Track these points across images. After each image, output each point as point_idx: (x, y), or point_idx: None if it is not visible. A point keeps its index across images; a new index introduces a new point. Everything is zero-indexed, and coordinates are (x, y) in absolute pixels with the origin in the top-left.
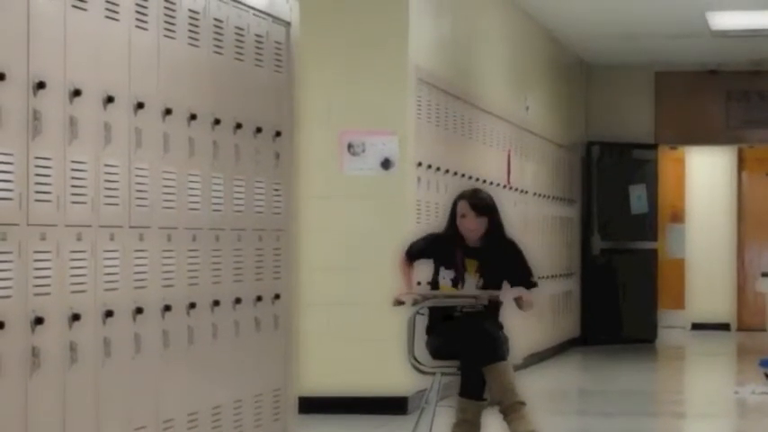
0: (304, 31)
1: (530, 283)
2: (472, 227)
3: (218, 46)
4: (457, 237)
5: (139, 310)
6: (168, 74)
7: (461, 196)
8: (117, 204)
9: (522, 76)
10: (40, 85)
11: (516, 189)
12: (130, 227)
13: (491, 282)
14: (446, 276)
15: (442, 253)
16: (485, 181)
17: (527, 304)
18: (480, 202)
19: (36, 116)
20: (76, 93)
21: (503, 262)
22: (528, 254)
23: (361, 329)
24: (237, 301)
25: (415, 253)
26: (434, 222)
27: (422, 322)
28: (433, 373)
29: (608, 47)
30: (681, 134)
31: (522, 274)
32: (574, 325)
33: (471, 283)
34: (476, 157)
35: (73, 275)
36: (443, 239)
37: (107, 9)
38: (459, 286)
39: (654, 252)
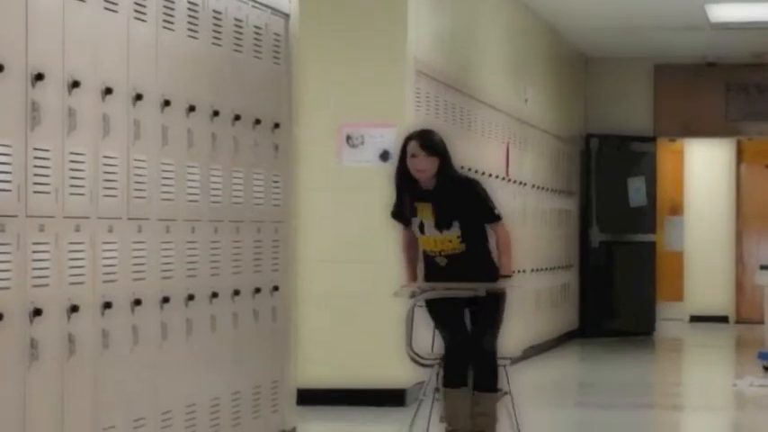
0: (303, 22)
1: (492, 218)
2: (422, 167)
3: (216, 38)
4: (408, 180)
5: (138, 302)
6: (167, 65)
7: (410, 137)
8: (115, 196)
9: (522, 68)
10: (39, 77)
11: (515, 181)
12: (129, 218)
13: (444, 222)
14: (414, 224)
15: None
16: (484, 173)
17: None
18: (430, 142)
19: (35, 107)
20: (75, 84)
21: (458, 201)
22: (487, 188)
23: (360, 321)
24: (236, 292)
25: (397, 216)
26: None
27: (420, 314)
28: (431, 365)
29: (607, 39)
30: (680, 127)
31: (483, 211)
32: (572, 317)
33: (430, 228)
34: (475, 148)
35: (71, 267)
36: (401, 187)
37: (106, 1)
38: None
39: (652, 244)
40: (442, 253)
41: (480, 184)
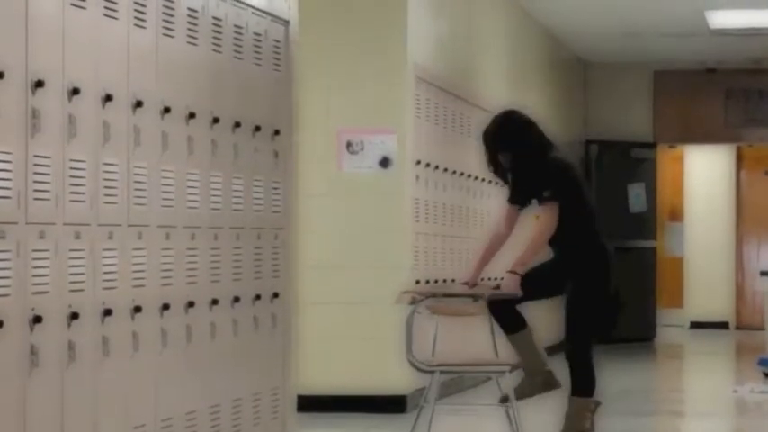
0: (303, 29)
1: (541, 197)
2: (496, 163)
3: (216, 44)
4: (499, 166)
5: (138, 309)
6: (167, 72)
7: (483, 133)
8: (115, 203)
9: (521, 74)
10: (39, 84)
11: None
12: (129, 225)
13: (522, 200)
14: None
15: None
16: (483, 179)
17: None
18: (497, 138)
19: (35, 114)
20: (75, 91)
21: (533, 180)
22: (562, 167)
23: (360, 328)
24: (236, 299)
25: (513, 200)
26: (432, 222)
27: (420, 321)
28: (432, 372)
29: (607, 45)
30: (679, 133)
31: (539, 187)
32: None
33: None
34: (474, 154)
35: (71, 274)
36: (494, 169)
37: (106, 7)
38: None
39: (652, 251)
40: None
41: (558, 166)
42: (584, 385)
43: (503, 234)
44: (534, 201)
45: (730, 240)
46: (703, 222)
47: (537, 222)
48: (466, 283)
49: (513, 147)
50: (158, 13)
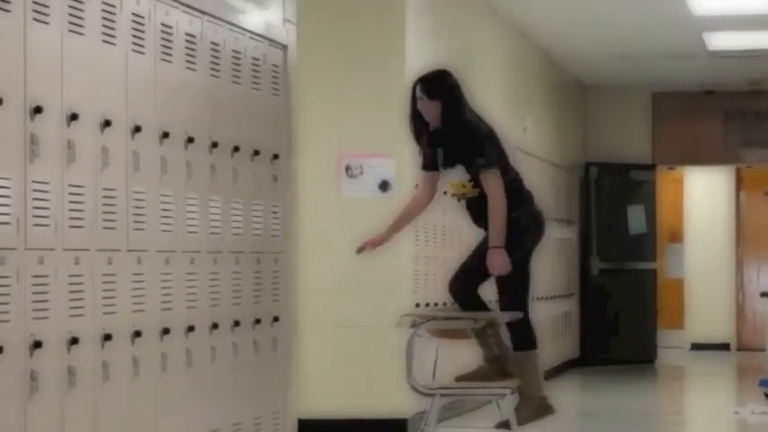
0: (301, 54)
1: (478, 163)
2: (425, 110)
3: (214, 69)
4: (421, 124)
5: (138, 334)
6: (165, 97)
7: (416, 80)
8: (115, 228)
9: (520, 97)
10: (38, 110)
11: None
12: (128, 250)
13: (448, 162)
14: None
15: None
16: None
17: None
18: (432, 84)
19: (33, 140)
20: (74, 117)
21: (460, 144)
22: (488, 133)
23: (360, 351)
24: (236, 323)
25: (427, 166)
26: (432, 245)
27: (420, 344)
28: (433, 395)
29: (605, 68)
30: (679, 154)
31: (471, 155)
32: (573, 345)
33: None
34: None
35: (71, 299)
36: (417, 132)
37: (104, 33)
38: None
39: (653, 272)
40: (465, 196)
41: (481, 129)
42: (531, 338)
43: (424, 203)
44: (459, 166)
45: (731, 261)
46: (703, 244)
47: (489, 194)
48: (366, 244)
49: (445, 94)
50: (156, 38)
